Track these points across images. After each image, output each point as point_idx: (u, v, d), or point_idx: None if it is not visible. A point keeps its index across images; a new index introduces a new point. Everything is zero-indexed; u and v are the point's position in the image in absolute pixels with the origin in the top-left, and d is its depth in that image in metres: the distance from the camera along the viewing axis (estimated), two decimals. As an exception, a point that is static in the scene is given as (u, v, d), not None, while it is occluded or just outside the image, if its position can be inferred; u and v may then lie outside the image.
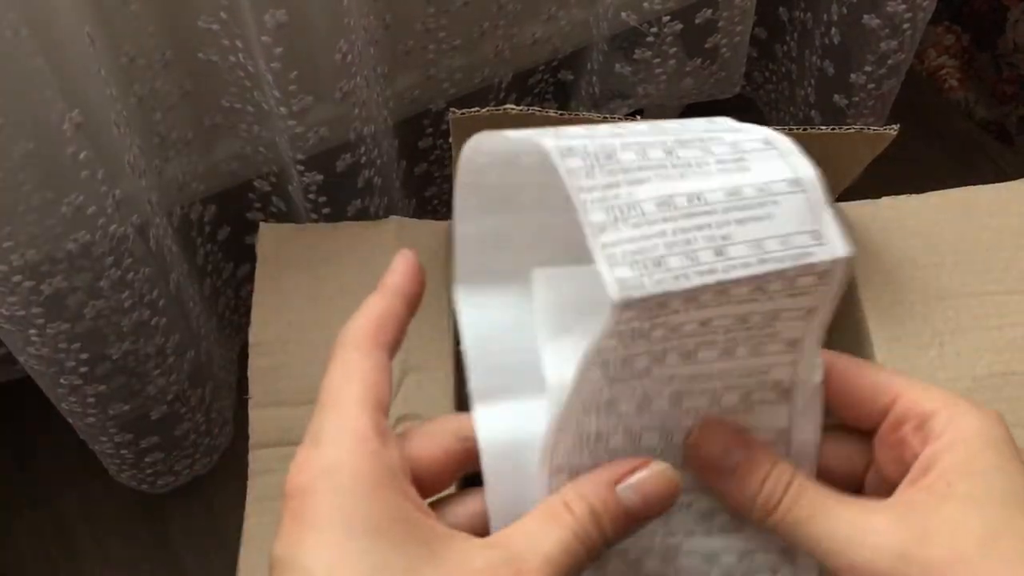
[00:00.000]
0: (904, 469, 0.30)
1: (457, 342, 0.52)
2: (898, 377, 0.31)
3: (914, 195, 0.56)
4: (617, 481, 0.29)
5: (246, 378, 0.53)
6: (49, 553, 0.84)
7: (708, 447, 0.30)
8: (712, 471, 0.30)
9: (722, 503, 0.31)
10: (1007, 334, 0.52)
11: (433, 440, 0.31)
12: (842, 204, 0.55)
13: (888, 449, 0.30)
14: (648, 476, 0.29)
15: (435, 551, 0.27)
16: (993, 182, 0.56)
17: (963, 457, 0.28)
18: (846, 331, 0.54)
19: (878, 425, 0.31)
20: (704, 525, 0.32)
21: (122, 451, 0.73)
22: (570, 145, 0.27)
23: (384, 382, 0.30)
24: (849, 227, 0.54)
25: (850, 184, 0.53)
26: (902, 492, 0.29)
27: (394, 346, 0.31)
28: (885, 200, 0.56)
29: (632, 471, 0.29)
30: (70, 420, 0.70)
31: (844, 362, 0.31)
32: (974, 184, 0.56)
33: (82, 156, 0.54)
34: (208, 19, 0.59)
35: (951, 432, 0.29)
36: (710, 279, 0.26)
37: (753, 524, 0.30)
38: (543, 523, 0.28)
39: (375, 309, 0.31)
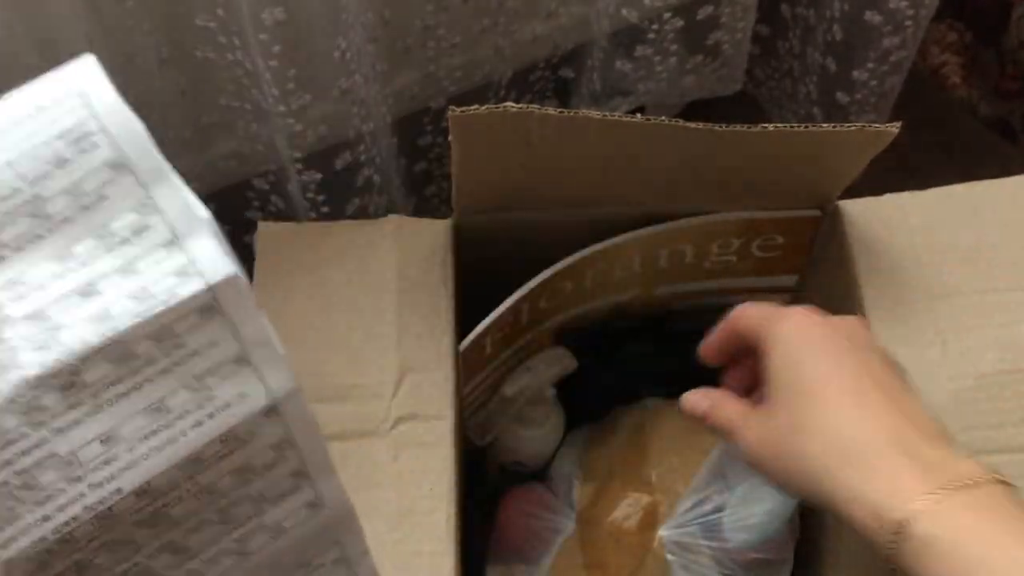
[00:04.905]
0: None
1: (457, 342, 0.52)
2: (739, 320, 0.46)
3: (916, 192, 0.55)
4: None
5: (244, 378, 0.52)
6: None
7: None
8: None
9: None
10: (1012, 331, 0.51)
11: None
12: (843, 202, 0.55)
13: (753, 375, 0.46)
14: None
15: None
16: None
17: (781, 362, 0.42)
18: (849, 330, 0.53)
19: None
20: None
21: (121, 451, 0.73)
22: None
23: None
24: (851, 225, 0.54)
25: (852, 182, 0.53)
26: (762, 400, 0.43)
27: None
28: (887, 197, 0.55)
29: None
30: (69, 420, 0.69)
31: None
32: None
33: (79, 155, 0.53)
34: (205, 17, 0.59)
35: (770, 346, 0.42)
36: None
37: None
38: None
39: None
